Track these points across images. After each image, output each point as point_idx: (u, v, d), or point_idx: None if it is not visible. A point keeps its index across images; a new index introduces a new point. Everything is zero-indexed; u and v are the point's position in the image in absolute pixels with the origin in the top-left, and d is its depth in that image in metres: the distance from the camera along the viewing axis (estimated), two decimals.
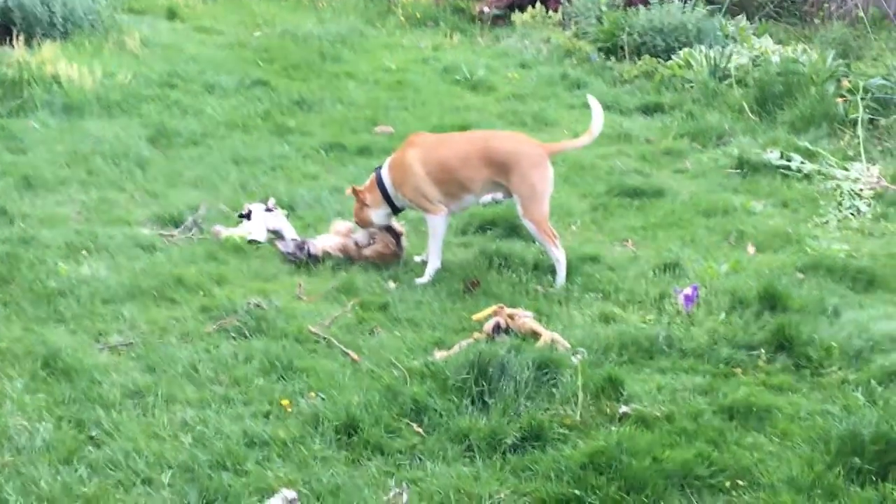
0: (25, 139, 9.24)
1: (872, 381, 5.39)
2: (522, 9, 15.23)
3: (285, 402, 5.21)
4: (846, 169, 8.96)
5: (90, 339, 5.85)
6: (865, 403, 5.19)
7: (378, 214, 7.08)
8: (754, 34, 13.11)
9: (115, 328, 6.00)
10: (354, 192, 7.20)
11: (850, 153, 9.38)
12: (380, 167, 7.16)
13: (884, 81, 10.14)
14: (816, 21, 14.61)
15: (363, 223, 7.13)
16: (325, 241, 7.17)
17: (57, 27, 12.43)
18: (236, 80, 11.59)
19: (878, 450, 4.70)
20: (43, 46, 11.37)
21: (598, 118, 7.01)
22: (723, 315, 6.20)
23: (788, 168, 9.04)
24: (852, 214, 8.19)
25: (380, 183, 7.04)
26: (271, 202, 7.77)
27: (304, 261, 7.01)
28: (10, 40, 11.54)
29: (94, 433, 4.90)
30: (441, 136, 7.56)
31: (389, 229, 7.15)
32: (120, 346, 5.79)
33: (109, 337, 5.89)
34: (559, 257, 6.79)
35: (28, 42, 11.61)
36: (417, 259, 7.14)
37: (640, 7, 13.49)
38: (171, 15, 15.18)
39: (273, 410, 5.17)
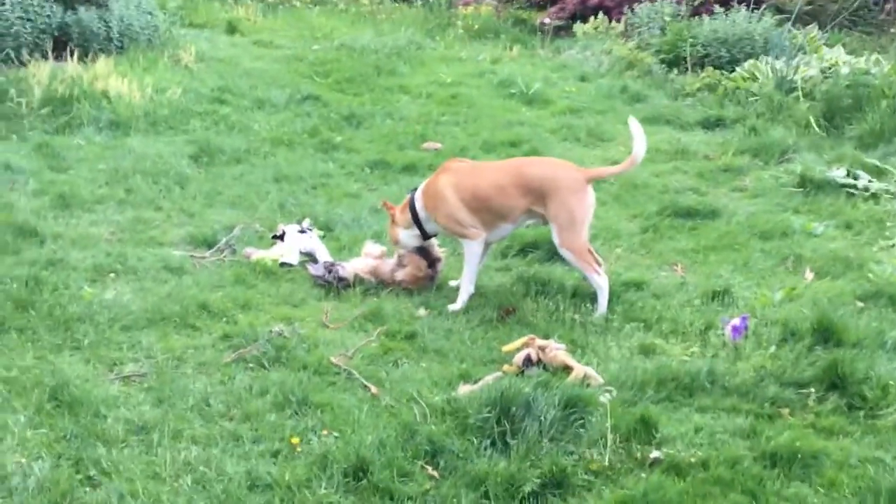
0: (69, 157, 9.14)
1: None
2: (585, 19, 14.89)
3: (295, 440, 4.92)
4: None
5: (104, 369, 5.64)
6: None
7: (406, 235, 6.84)
8: (826, 44, 12.59)
9: (130, 357, 5.78)
10: (386, 206, 6.99)
11: None
12: (415, 189, 6.87)
13: None
14: (893, 30, 14.00)
15: (393, 241, 6.91)
16: (357, 264, 6.90)
17: (113, 42, 12.39)
18: (287, 94, 11.44)
19: None
20: (97, 62, 11.31)
21: (640, 143, 6.57)
22: (772, 348, 5.77)
23: (854, 187, 8.55)
24: None
25: (412, 206, 6.77)
26: (306, 223, 7.54)
27: (334, 284, 6.74)
28: (67, 55, 11.49)
29: (91, 473, 4.65)
30: (476, 164, 7.24)
31: (424, 252, 6.86)
32: (133, 376, 5.56)
33: (124, 366, 5.67)
34: (602, 285, 6.43)
35: (84, 57, 11.56)
36: (452, 284, 6.84)
37: (705, 16, 13.05)
38: (231, 29, 15.14)
39: (282, 449, 4.88)
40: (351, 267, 6.85)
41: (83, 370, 5.56)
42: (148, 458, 4.78)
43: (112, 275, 6.82)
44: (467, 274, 6.61)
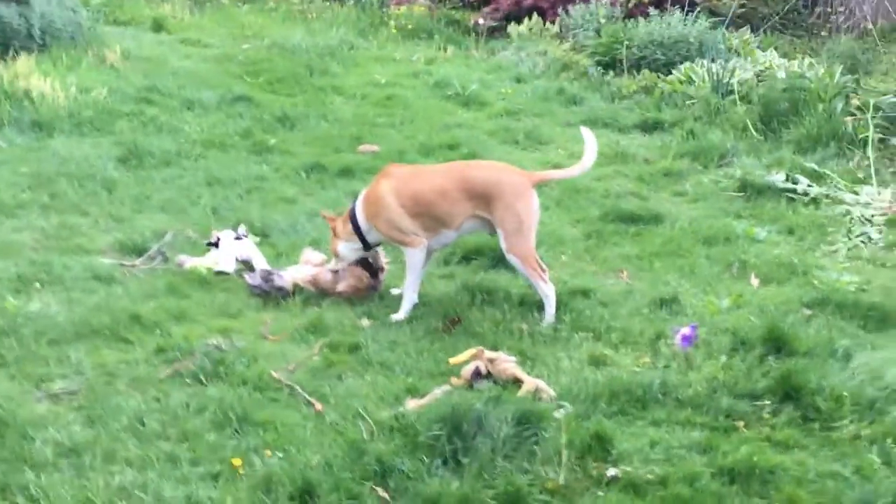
0: None
1: (888, 440, 4.87)
2: (519, 20, 14.73)
3: (237, 461, 4.69)
4: (856, 192, 8.45)
5: (30, 386, 5.34)
6: (881, 465, 4.67)
7: (347, 248, 6.58)
8: (759, 47, 12.62)
9: (59, 373, 5.48)
10: (326, 218, 6.75)
11: (860, 175, 8.88)
12: (356, 199, 6.66)
13: None
14: (823, 34, 14.11)
15: (334, 254, 6.65)
16: (296, 273, 6.67)
17: (35, 39, 11.91)
18: (218, 95, 11.11)
19: None
20: (18, 60, 10.89)
21: (591, 152, 6.47)
22: (723, 358, 5.67)
23: (794, 191, 8.53)
24: (863, 242, 7.67)
25: (353, 216, 6.53)
26: (242, 229, 7.27)
27: (272, 294, 6.50)
28: None
29: (18, 500, 4.38)
30: (417, 168, 7.01)
31: (366, 263, 6.64)
32: (62, 393, 5.27)
33: (52, 383, 5.37)
34: (548, 293, 6.29)
35: (3, 55, 11.12)
36: (394, 292, 6.64)
37: (640, 19, 13.00)
38: (158, 27, 14.74)
39: (223, 471, 4.64)
40: (289, 276, 6.62)
41: (8, 387, 5.28)
42: (80, 483, 4.51)
43: (37, 285, 6.50)
44: (410, 283, 6.41)
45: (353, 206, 6.58)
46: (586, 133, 6.52)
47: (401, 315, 6.32)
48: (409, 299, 6.39)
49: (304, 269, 6.68)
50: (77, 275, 6.67)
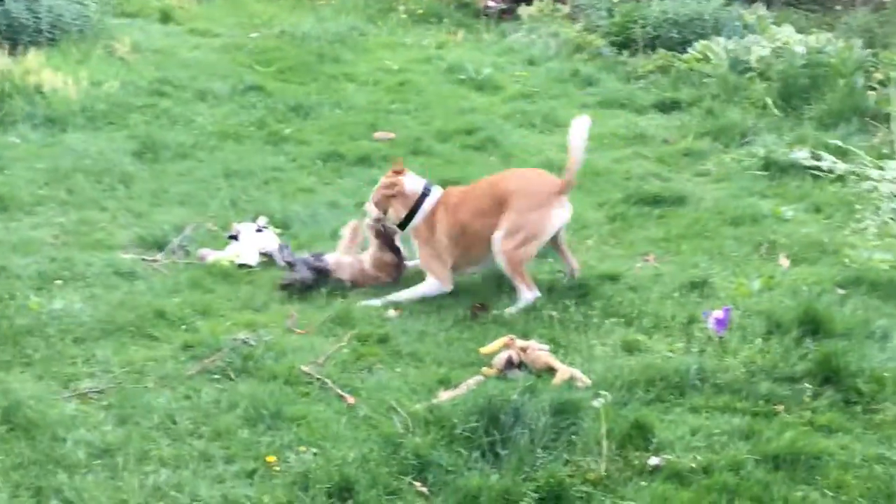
0: (3, 156, 8.65)
1: None
2: (529, 2, 14.60)
3: (272, 458, 4.61)
4: (881, 168, 8.31)
5: (58, 386, 5.26)
6: None
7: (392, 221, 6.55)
8: (774, 23, 12.47)
9: (86, 372, 5.40)
10: (395, 169, 6.63)
11: (885, 150, 8.74)
12: (430, 185, 6.58)
13: None
14: (838, 8, 13.93)
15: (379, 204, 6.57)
16: (332, 261, 6.58)
17: (43, 33, 11.81)
18: (230, 85, 11.02)
19: None
20: (27, 55, 10.79)
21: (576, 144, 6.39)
22: (759, 342, 5.58)
23: (819, 168, 8.41)
24: (892, 219, 7.54)
25: (421, 198, 6.48)
26: (262, 221, 7.19)
27: (310, 284, 6.40)
28: None
29: (53, 503, 4.31)
30: (465, 191, 6.68)
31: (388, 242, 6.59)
32: (91, 392, 5.19)
33: (80, 382, 5.30)
34: (526, 299, 6.19)
35: (13, 51, 11.03)
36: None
37: None
38: (165, 18, 14.60)
39: (258, 469, 4.56)
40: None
41: (36, 388, 5.19)
42: (114, 484, 4.43)
43: (59, 282, 6.42)
44: (406, 296, 6.38)
45: (424, 194, 6.49)
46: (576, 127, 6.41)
47: (377, 301, 6.27)
48: (399, 297, 6.34)
49: (338, 257, 6.60)
50: (98, 271, 6.60)
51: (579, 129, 6.36)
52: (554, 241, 6.42)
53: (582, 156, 6.41)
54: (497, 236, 6.22)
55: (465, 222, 6.36)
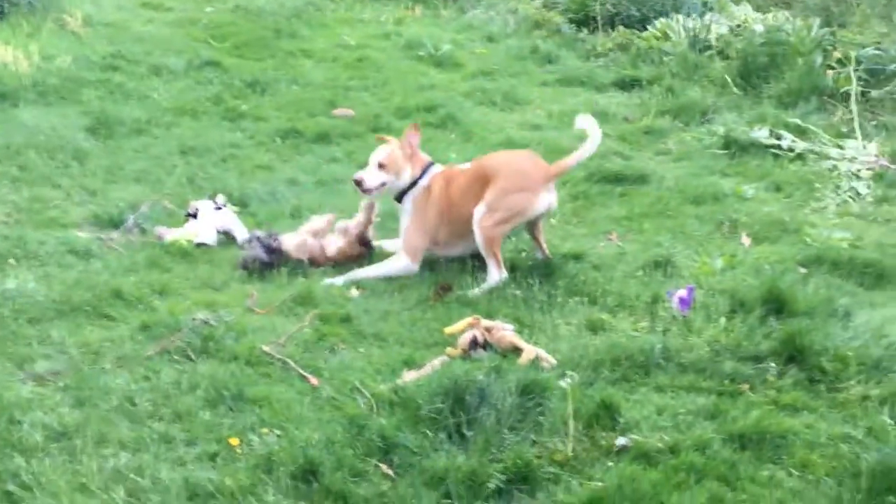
0: None
1: None
2: None
3: (234, 440, 4.53)
4: (841, 147, 8.37)
5: (13, 368, 5.13)
6: (893, 426, 4.59)
7: (403, 182, 6.43)
8: (732, 1, 12.47)
9: (41, 353, 5.26)
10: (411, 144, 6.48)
11: (844, 129, 8.80)
12: (432, 163, 6.54)
13: (876, 51, 9.51)
14: None
15: (392, 168, 6.41)
16: (289, 241, 6.47)
17: None
18: (185, 60, 10.83)
19: None
20: None
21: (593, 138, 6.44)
22: (723, 321, 5.57)
23: (779, 147, 8.44)
24: (851, 198, 7.61)
25: (425, 170, 6.45)
26: (220, 199, 7.08)
27: (266, 262, 6.29)
28: None
29: (10, 487, 4.18)
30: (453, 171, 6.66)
31: (362, 238, 6.50)
32: (47, 374, 5.07)
33: (35, 363, 5.17)
34: (495, 279, 6.13)
35: None
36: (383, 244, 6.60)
37: None
38: None
39: (220, 451, 4.47)
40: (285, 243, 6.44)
41: None
42: (73, 468, 4.32)
43: (12, 261, 6.27)
44: (371, 272, 6.32)
45: (430, 164, 6.47)
46: (585, 121, 6.43)
47: (339, 280, 6.20)
48: (355, 276, 6.27)
49: (300, 238, 6.48)
50: (53, 249, 6.45)
51: (590, 125, 6.41)
52: (532, 226, 6.39)
53: (589, 153, 6.41)
54: (478, 210, 6.17)
55: (454, 200, 6.33)
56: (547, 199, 6.27)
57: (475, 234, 6.18)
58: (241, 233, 6.76)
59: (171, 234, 6.69)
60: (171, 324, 5.53)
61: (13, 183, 7.54)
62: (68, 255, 6.42)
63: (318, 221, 6.53)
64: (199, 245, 6.63)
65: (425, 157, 6.52)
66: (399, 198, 6.46)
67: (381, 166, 6.39)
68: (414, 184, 6.41)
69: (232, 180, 7.74)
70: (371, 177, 6.39)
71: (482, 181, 6.25)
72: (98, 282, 6.01)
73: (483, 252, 6.18)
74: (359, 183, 6.39)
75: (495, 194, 6.16)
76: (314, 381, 5.05)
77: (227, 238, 6.79)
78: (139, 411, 4.76)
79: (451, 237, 6.39)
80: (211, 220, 6.81)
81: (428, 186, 6.41)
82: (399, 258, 6.35)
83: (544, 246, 6.46)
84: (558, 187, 7.62)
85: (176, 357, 5.26)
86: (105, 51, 10.93)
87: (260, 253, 6.30)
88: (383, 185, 6.40)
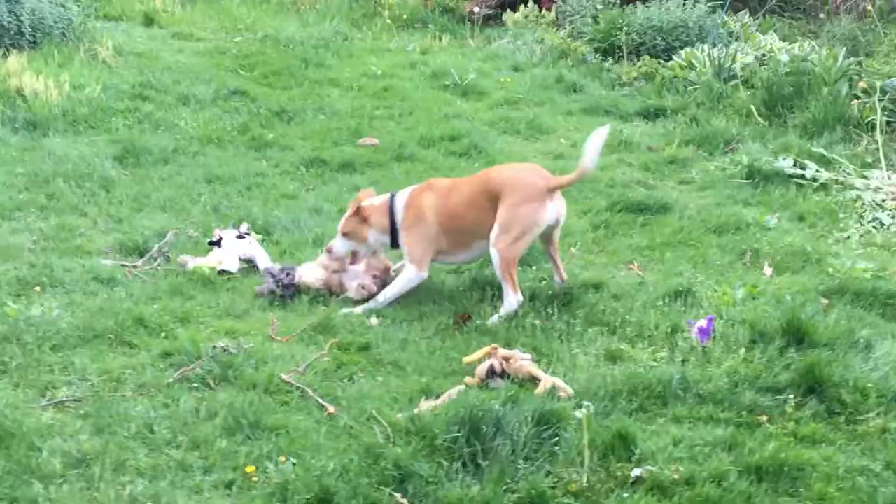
0: None
1: None
2: (514, 8, 14.61)
3: (250, 468, 4.56)
4: (865, 177, 8.33)
5: (35, 394, 5.20)
6: None
7: (374, 237, 6.51)
8: (758, 31, 12.48)
9: (63, 380, 5.34)
10: (357, 203, 6.57)
11: (869, 159, 8.76)
12: (395, 194, 6.58)
13: None
14: (822, 16, 13.95)
15: (354, 236, 6.51)
16: (307, 273, 6.51)
17: (25, 37, 11.74)
18: (213, 89, 10.95)
19: None
20: (9, 58, 10.72)
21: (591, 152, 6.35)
22: (743, 351, 5.55)
23: (803, 177, 8.40)
24: (875, 228, 7.56)
25: (392, 211, 6.49)
26: (244, 227, 7.14)
27: (280, 293, 6.35)
28: None
29: None
30: (454, 182, 6.76)
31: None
32: (68, 401, 5.13)
33: (57, 391, 5.24)
34: (510, 304, 6.15)
35: None
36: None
37: (638, 4, 12.86)
38: (149, 21, 14.55)
39: (236, 479, 4.51)
40: (302, 274, 6.47)
41: (12, 396, 5.12)
42: (90, 495, 4.39)
43: (38, 288, 6.36)
44: (389, 294, 6.38)
45: (392, 201, 6.48)
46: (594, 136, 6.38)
47: (359, 309, 6.25)
48: (377, 303, 6.33)
49: (316, 270, 6.52)
50: (78, 277, 6.54)
51: (597, 137, 6.34)
52: (546, 244, 6.42)
53: (592, 163, 6.36)
54: (493, 232, 6.20)
55: (456, 211, 6.37)
56: (554, 208, 6.30)
57: (493, 258, 6.20)
58: (263, 261, 6.81)
59: (194, 262, 6.75)
60: (191, 351, 5.58)
61: (41, 211, 7.65)
62: (93, 282, 6.50)
63: (375, 263, 6.59)
64: (222, 273, 6.69)
65: (383, 200, 6.56)
66: (394, 245, 6.54)
67: (344, 235, 6.52)
68: (394, 225, 6.47)
69: (256, 209, 7.80)
70: (338, 245, 6.53)
71: (488, 195, 6.28)
72: (121, 309, 6.07)
73: (499, 274, 6.19)
74: (329, 251, 6.52)
75: (506, 212, 6.18)
76: (331, 409, 5.07)
77: (250, 266, 6.83)
78: (157, 439, 4.81)
79: (454, 246, 6.43)
80: (234, 249, 6.86)
81: (411, 205, 6.46)
82: (407, 270, 6.40)
83: (561, 268, 6.48)
84: (579, 216, 7.69)
85: (196, 385, 5.31)
86: (134, 80, 11.07)
87: (273, 287, 6.34)
88: (354, 252, 6.54)
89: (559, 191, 6.38)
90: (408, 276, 6.37)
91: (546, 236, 6.39)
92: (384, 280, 6.53)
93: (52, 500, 4.31)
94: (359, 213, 6.51)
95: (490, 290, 6.37)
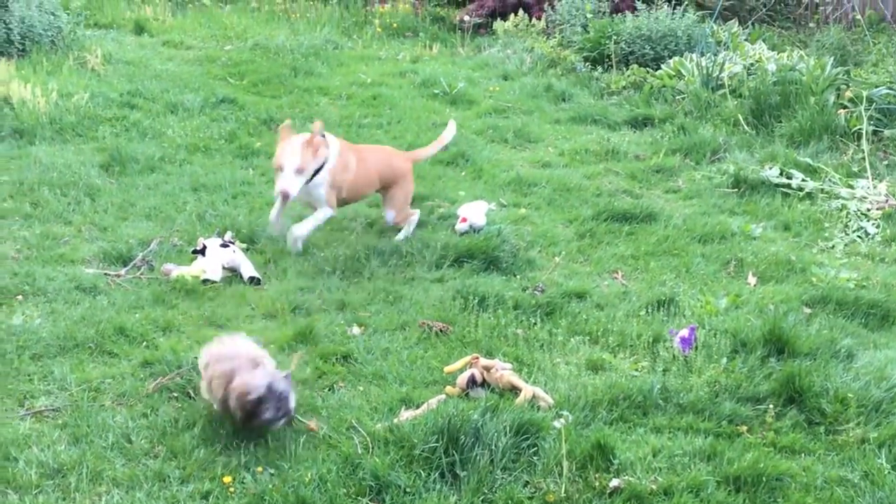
0: None
1: None
2: (504, 17, 14.61)
3: (227, 479, 4.55)
4: (851, 186, 8.34)
5: (13, 404, 5.18)
6: (890, 470, 4.55)
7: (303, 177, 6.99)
8: (747, 40, 12.50)
9: (42, 389, 5.32)
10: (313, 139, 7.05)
11: (855, 168, 8.77)
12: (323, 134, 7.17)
13: (889, 91, 9.49)
14: (811, 25, 14.00)
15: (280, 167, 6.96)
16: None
17: (14, 45, 11.71)
18: (202, 98, 10.91)
19: None
20: None
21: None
22: (724, 361, 5.55)
23: (789, 186, 8.41)
24: (860, 237, 7.57)
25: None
26: (228, 235, 7.13)
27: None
28: None
29: None
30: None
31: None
32: (46, 411, 5.12)
33: (36, 400, 5.22)
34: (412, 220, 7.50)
35: None
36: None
37: (628, 14, 12.87)
38: (139, 29, 14.50)
39: (213, 490, 4.50)
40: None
41: None
42: None
43: (20, 297, 6.33)
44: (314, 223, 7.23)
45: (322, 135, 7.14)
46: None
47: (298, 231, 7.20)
48: (301, 232, 7.19)
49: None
50: (60, 286, 6.51)
51: (451, 130, 7.92)
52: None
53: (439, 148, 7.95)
54: (390, 216, 7.43)
55: (368, 171, 7.39)
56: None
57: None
58: (247, 270, 6.79)
59: (177, 271, 6.73)
60: (172, 361, 5.57)
61: (25, 219, 7.61)
62: (75, 291, 6.47)
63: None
64: (205, 282, 6.67)
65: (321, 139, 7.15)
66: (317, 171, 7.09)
67: (299, 172, 6.88)
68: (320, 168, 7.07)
69: (242, 217, 7.78)
70: (295, 184, 6.90)
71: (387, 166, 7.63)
72: (102, 318, 6.06)
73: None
74: (286, 195, 6.86)
75: (397, 195, 7.52)
76: (312, 425, 5.01)
77: (233, 274, 6.82)
78: (135, 449, 4.79)
79: (354, 196, 7.45)
80: (217, 257, 6.85)
81: (344, 154, 7.24)
82: (324, 212, 7.21)
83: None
84: (565, 225, 7.70)
85: (175, 394, 5.29)
86: (123, 88, 11.04)
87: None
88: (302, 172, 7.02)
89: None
90: (325, 214, 7.17)
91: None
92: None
93: None
94: (312, 144, 6.84)
95: (472, 299, 6.34)
